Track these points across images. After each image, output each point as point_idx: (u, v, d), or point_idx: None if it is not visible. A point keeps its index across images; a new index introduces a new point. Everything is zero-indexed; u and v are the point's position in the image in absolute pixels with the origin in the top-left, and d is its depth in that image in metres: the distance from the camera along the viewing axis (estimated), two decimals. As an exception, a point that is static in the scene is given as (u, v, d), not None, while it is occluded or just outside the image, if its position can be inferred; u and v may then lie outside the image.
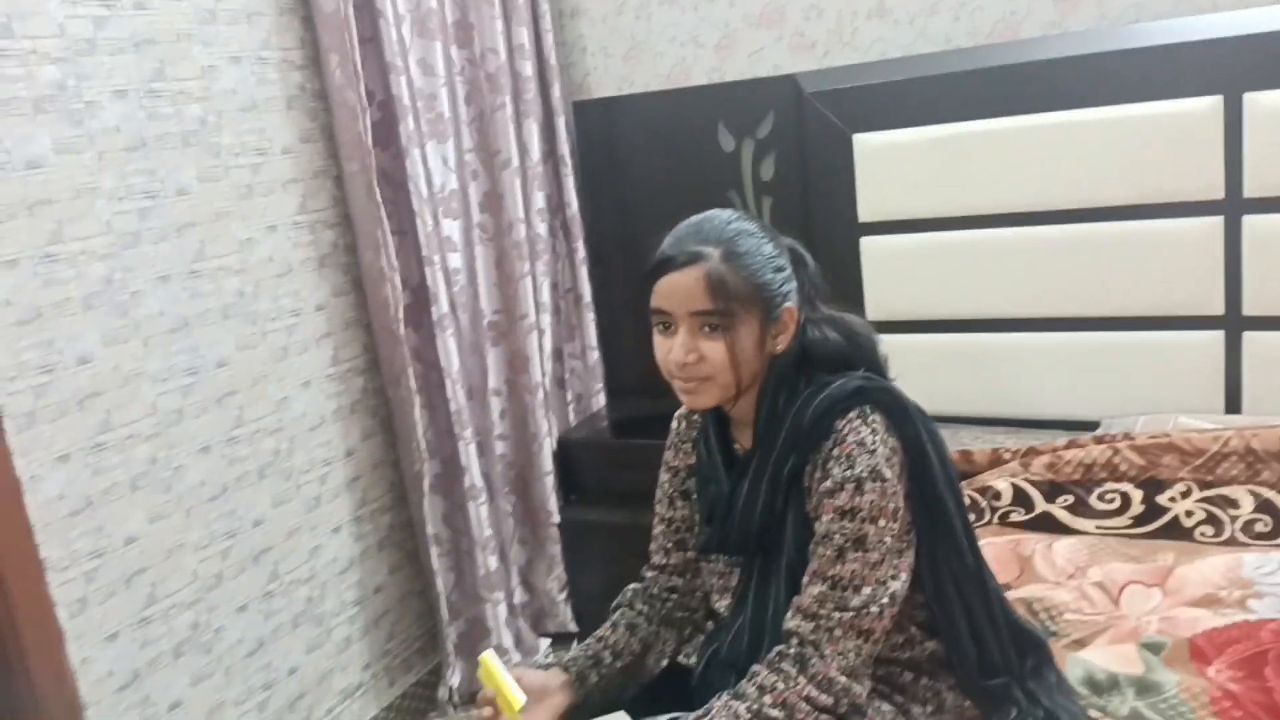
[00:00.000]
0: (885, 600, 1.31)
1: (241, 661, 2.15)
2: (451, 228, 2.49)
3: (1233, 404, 2.29)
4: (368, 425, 2.49)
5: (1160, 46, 2.21)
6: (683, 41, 2.79)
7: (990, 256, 2.44)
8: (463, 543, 2.58)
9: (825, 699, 1.29)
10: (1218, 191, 2.19)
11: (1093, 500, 1.99)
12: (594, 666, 1.48)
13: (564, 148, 2.79)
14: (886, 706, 1.39)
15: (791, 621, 1.34)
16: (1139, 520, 1.94)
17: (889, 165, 2.49)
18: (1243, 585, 1.69)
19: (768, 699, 1.29)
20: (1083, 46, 2.30)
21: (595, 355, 2.95)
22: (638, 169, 2.88)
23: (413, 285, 2.41)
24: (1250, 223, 2.18)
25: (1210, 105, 2.16)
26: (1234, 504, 1.88)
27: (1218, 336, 2.27)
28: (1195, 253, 2.24)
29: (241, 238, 2.14)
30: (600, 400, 2.99)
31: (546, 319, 2.78)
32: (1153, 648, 1.57)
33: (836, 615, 1.30)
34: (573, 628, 2.78)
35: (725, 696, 1.32)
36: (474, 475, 2.51)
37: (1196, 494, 1.91)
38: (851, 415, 1.34)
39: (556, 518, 2.75)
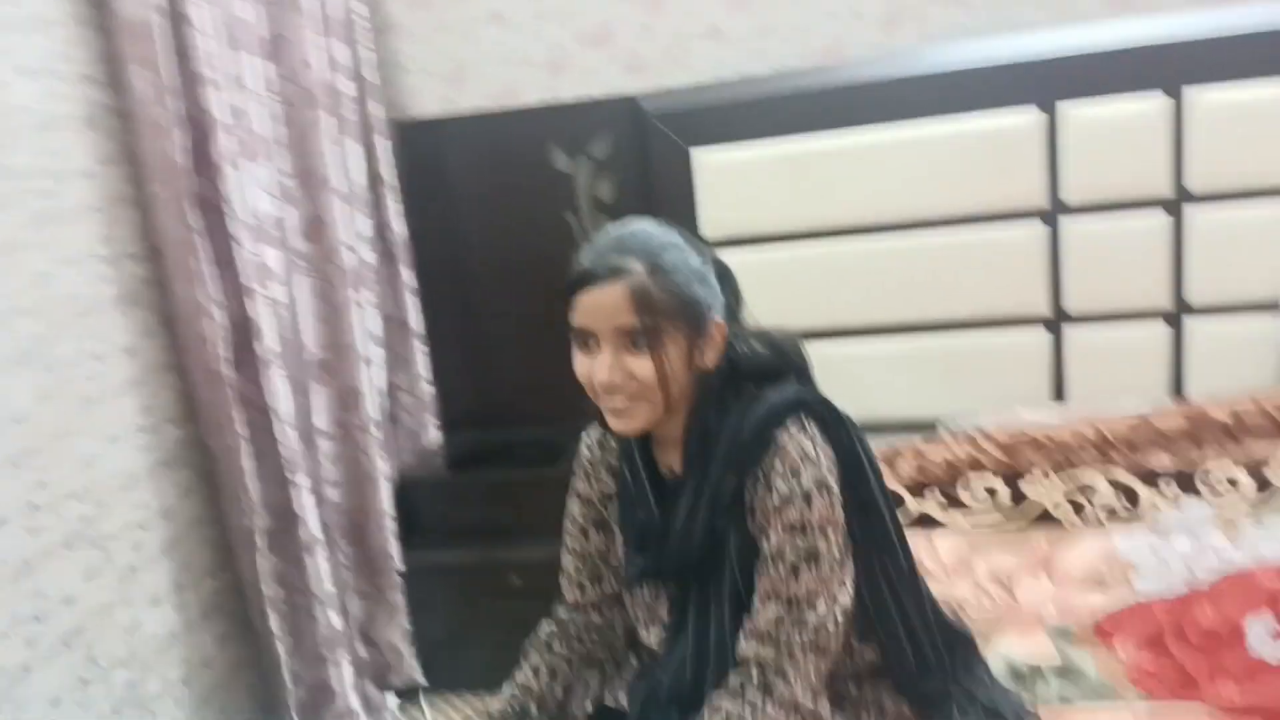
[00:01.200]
0: (838, 614, 1.27)
1: (57, 765, 1.84)
2: (271, 256, 2.27)
3: (1058, 394, 2.43)
4: (185, 480, 2.22)
5: (979, 62, 2.33)
6: (513, 61, 2.69)
7: (828, 268, 2.49)
8: (299, 600, 2.34)
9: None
10: (1040, 199, 2.33)
11: (962, 495, 2.05)
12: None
13: (387, 170, 2.62)
14: (838, 720, 1.35)
15: (748, 648, 1.27)
16: (1008, 513, 2.01)
17: (729, 182, 2.49)
18: (1121, 566, 1.78)
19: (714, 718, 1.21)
20: (906, 66, 2.40)
21: (428, 388, 2.78)
22: (467, 192, 2.75)
23: (234, 320, 2.18)
24: (1068, 227, 2.34)
25: (1030, 117, 2.30)
26: (1091, 490, 1.98)
27: (1044, 334, 2.41)
28: (1021, 256, 2.37)
29: (36, 271, 1.85)
30: (434, 435, 2.81)
31: (377, 351, 2.59)
32: (1061, 634, 1.62)
33: (797, 638, 1.25)
34: (421, 680, 2.59)
35: None
36: (311, 526, 2.29)
37: (1057, 482, 2.01)
38: (791, 426, 1.29)
39: (399, 564, 2.55)
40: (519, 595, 2.50)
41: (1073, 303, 2.37)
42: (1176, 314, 2.31)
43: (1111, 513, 1.94)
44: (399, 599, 2.56)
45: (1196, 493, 1.92)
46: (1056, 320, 2.39)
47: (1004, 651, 1.59)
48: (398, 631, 2.57)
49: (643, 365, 1.25)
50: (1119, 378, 2.35)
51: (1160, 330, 2.33)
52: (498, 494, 2.59)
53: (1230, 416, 1.95)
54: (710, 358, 1.31)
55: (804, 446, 1.28)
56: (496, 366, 2.89)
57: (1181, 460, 1.96)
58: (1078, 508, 1.97)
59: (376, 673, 2.56)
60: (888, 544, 1.37)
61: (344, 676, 2.36)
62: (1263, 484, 1.88)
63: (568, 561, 1.49)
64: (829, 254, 2.48)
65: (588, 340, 1.28)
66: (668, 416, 1.31)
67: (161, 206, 2.07)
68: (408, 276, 2.69)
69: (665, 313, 1.25)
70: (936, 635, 1.44)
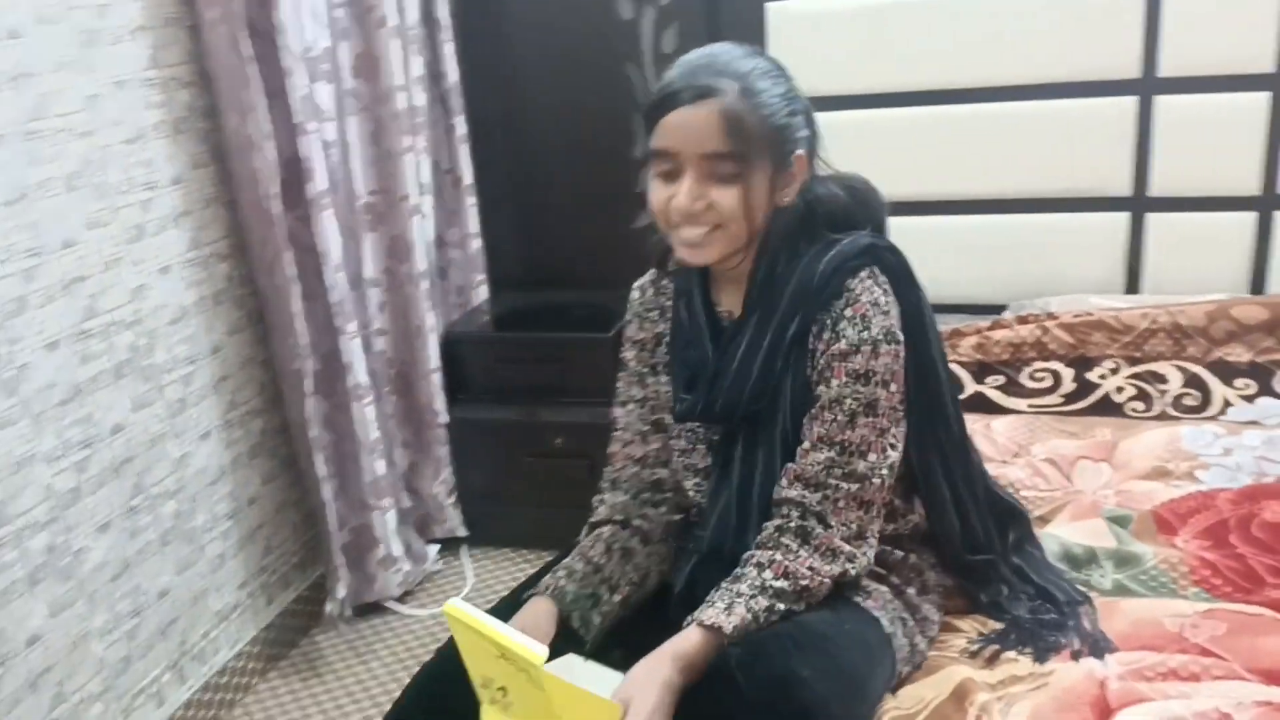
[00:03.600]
0: (886, 470, 1.24)
1: (106, 586, 1.88)
2: (324, 93, 2.20)
3: (1132, 285, 2.33)
4: (235, 318, 2.20)
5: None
6: (577, -103, 2.54)
7: (902, 135, 2.37)
8: (346, 447, 2.34)
9: (831, 568, 1.21)
10: (1134, 68, 2.19)
11: (1024, 379, 1.99)
12: (594, 607, 1.30)
13: (441, 9, 2.51)
14: (882, 587, 1.32)
15: (792, 490, 1.24)
16: (1070, 398, 1.95)
17: (802, 36, 2.36)
18: (1187, 458, 1.72)
19: (769, 573, 1.20)
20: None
21: (476, 244, 2.73)
22: (523, 38, 2.64)
23: (285, 158, 2.12)
24: (1163, 103, 2.20)
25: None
26: (1162, 379, 1.91)
27: (1123, 218, 2.29)
28: (1108, 131, 2.24)
29: (87, 94, 1.80)
30: (482, 293, 2.78)
31: (429, 202, 2.53)
32: (1119, 521, 1.57)
33: (844, 486, 1.22)
34: (462, 532, 2.62)
35: (723, 584, 1.21)
36: (358, 373, 2.27)
37: (1125, 370, 1.93)
38: (863, 274, 1.25)
39: (444, 417, 2.55)
40: (561, 454, 2.50)
41: (1157, 185, 2.25)
42: (1266, 202, 2.19)
43: (1181, 405, 1.87)
44: (443, 451, 2.56)
45: (1273, 391, 1.83)
46: (1139, 203, 2.27)
47: (1058, 534, 1.55)
48: (440, 483, 2.58)
49: (727, 195, 1.20)
50: (1198, 270, 2.25)
51: (1247, 220, 2.21)
52: (544, 355, 2.55)
53: (1317, 310, 1.85)
54: (789, 194, 1.25)
55: (875, 296, 1.24)
56: (547, 226, 2.82)
57: (1258, 355, 1.87)
58: (1145, 398, 1.90)
59: (419, 522, 2.59)
60: (941, 410, 1.34)
61: (388, 523, 2.38)
62: (1347, 383, 1.80)
63: (626, 413, 1.44)
64: (904, 120, 2.36)
65: (669, 165, 1.21)
66: (737, 253, 1.26)
67: (210, 29, 1.99)
68: (460, 125, 2.61)
69: (756, 140, 1.19)
70: (986, 510, 1.41)
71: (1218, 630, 1.31)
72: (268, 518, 2.32)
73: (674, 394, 1.39)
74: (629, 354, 1.45)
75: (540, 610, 1.27)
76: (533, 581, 1.35)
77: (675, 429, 1.40)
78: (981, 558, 1.41)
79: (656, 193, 1.23)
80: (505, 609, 1.29)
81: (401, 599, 2.44)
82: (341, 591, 2.32)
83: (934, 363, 1.32)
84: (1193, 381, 1.88)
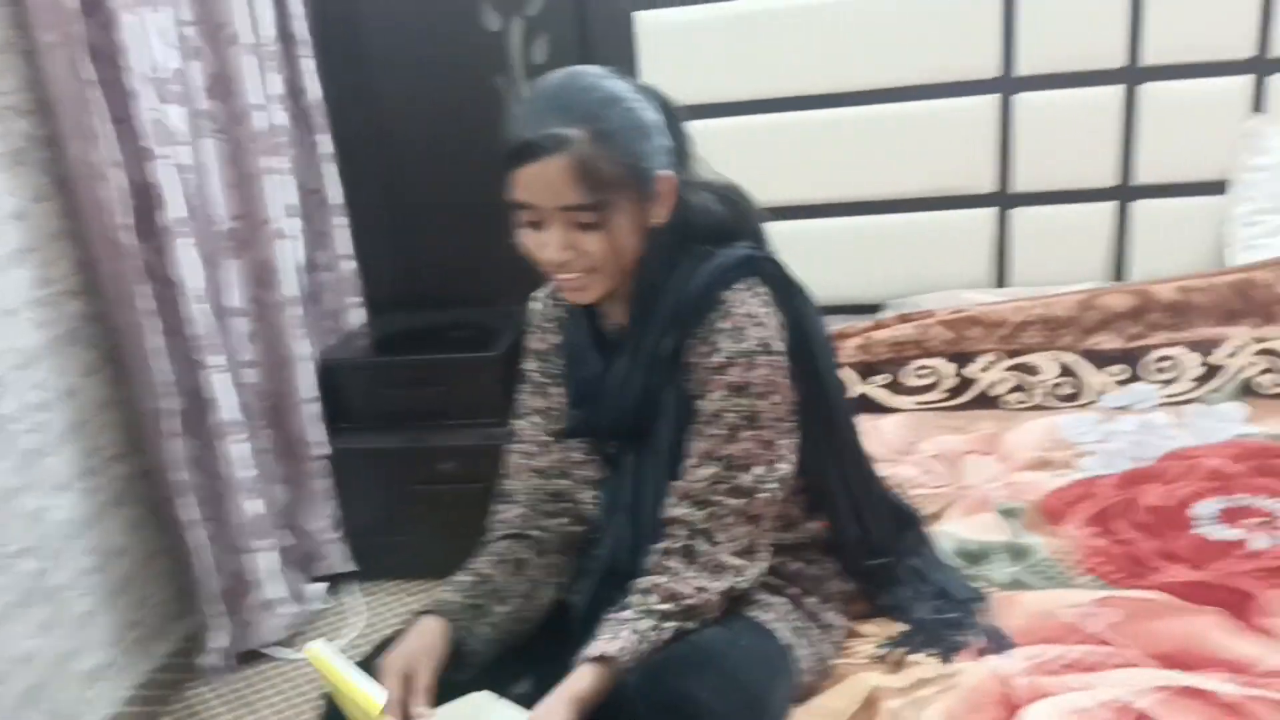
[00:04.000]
0: (774, 483, 1.23)
1: (-41, 658, 1.73)
2: (175, 115, 2.08)
3: (1001, 279, 2.40)
4: (89, 359, 2.06)
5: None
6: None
7: (774, 141, 2.39)
8: (217, 487, 2.22)
9: (718, 584, 1.19)
10: (994, 68, 2.25)
11: (906, 377, 2.01)
12: (479, 618, 1.25)
13: (298, 25, 2.41)
14: (779, 599, 1.31)
15: (679, 509, 1.22)
16: (953, 393, 1.98)
17: (673, 45, 2.36)
18: (1066, 447, 1.77)
19: (653, 597, 1.18)
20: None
21: (349, 265, 2.63)
22: (387, 52, 2.56)
23: (135, 185, 1.99)
24: (1022, 100, 2.26)
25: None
26: (1038, 371, 1.96)
27: (990, 213, 2.35)
28: (972, 130, 2.30)
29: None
30: (357, 316, 2.68)
31: (295, 224, 2.42)
32: (1010, 513, 1.60)
33: (729, 502, 1.21)
34: (350, 567, 2.52)
35: (608, 615, 1.19)
36: (226, 409, 2.15)
37: (1002, 363, 1.98)
38: (739, 287, 1.24)
39: (323, 449, 2.44)
40: (451, 480, 2.43)
41: (1021, 180, 2.32)
42: (1123, 193, 2.28)
43: (1057, 395, 1.92)
44: (323, 485, 2.46)
45: (1141, 376, 1.90)
46: (1003, 198, 2.34)
47: (952, 531, 1.56)
48: (324, 519, 2.48)
49: (593, 241, 1.18)
50: (1062, 261, 2.33)
51: (1106, 210, 2.30)
52: (427, 378, 2.47)
53: (1179, 294, 1.92)
54: (661, 214, 1.23)
55: (751, 308, 1.23)
56: (423, 244, 2.74)
57: (1128, 342, 1.94)
58: (1022, 390, 1.95)
59: (302, 561, 2.48)
60: (834, 418, 1.34)
61: (267, 565, 2.27)
62: (1209, 367, 1.87)
63: (526, 424, 1.40)
64: (774, 126, 2.37)
65: (532, 215, 1.18)
66: (621, 281, 1.24)
67: (49, 54, 1.86)
68: (324, 143, 2.51)
69: (612, 184, 1.16)
70: (884, 514, 1.42)
71: (1113, 618, 1.33)
72: (137, 568, 2.18)
73: (567, 409, 1.36)
74: (530, 365, 1.42)
75: (428, 628, 1.22)
76: None
77: (570, 441, 1.38)
78: (880, 561, 1.41)
79: (527, 240, 1.21)
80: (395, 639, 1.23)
81: (287, 642, 2.33)
82: (220, 641, 2.20)
83: (823, 372, 1.31)
84: (1067, 371, 1.94)
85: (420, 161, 2.64)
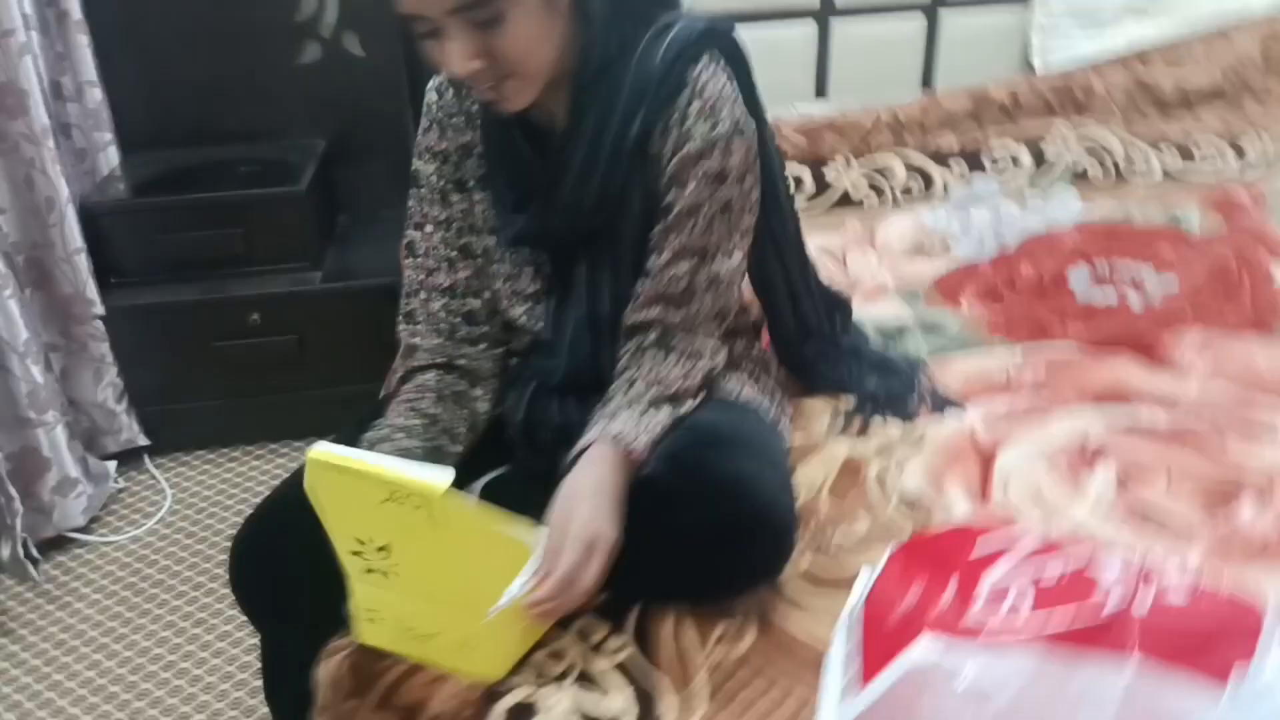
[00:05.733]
0: (739, 269, 1.17)
1: None
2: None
3: (820, 90, 2.43)
4: None
5: None
6: None
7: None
8: (-16, 354, 1.85)
9: (699, 368, 1.14)
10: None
11: (767, 185, 2.00)
12: (440, 461, 1.10)
13: None
14: (744, 377, 1.28)
15: (650, 311, 1.14)
16: (814, 198, 1.99)
17: None
18: (935, 236, 1.83)
19: (640, 385, 1.11)
20: None
21: (96, 95, 2.22)
22: None
23: None
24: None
25: None
26: (888, 171, 2.01)
27: (811, 28, 2.37)
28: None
29: None
30: (112, 155, 2.28)
31: (34, 39, 2.00)
32: (909, 298, 1.64)
33: (707, 297, 1.14)
34: (142, 441, 2.20)
35: (596, 412, 1.11)
36: (-14, 258, 1.78)
37: (856, 166, 2.01)
38: (705, 61, 1.12)
39: (98, 308, 2.09)
40: (259, 333, 2.17)
41: (841, -4, 2.35)
42: (933, 7, 2.36)
43: (909, 193, 1.98)
44: (104, 350, 2.12)
45: (983, 169, 2.00)
46: (825, 12, 2.35)
47: (863, 314, 1.58)
48: (105, 387, 2.14)
49: (500, 41, 1.00)
50: (878, 72, 2.39)
51: (918, 24, 2.38)
52: (221, 220, 2.16)
53: (1009, 97, 2.03)
54: None
55: (720, 85, 1.12)
56: (184, 71, 2.33)
57: (967, 140, 2.02)
58: (878, 190, 1.99)
59: (86, 437, 2.14)
60: (777, 202, 1.29)
61: (57, 440, 1.93)
62: (1039, 158, 2.00)
63: (427, 237, 1.22)
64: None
65: (425, 26, 1.01)
66: (553, 75, 1.09)
67: None
68: (61, -59, 2.08)
69: None
70: (818, 299, 1.40)
71: (1039, 372, 1.41)
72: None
73: (499, 215, 1.21)
74: (427, 168, 1.22)
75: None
76: None
77: (498, 252, 1.23)
78: (819, 344, 1.40)
79: (432, 54, 1.04)
80: None
81: (88, 528, 2.02)
82: (15, 529, 1.86)
83: (771, 154, 1.25)
84: (916, 170, 2.00)
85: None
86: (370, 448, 1.12)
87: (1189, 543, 1.10)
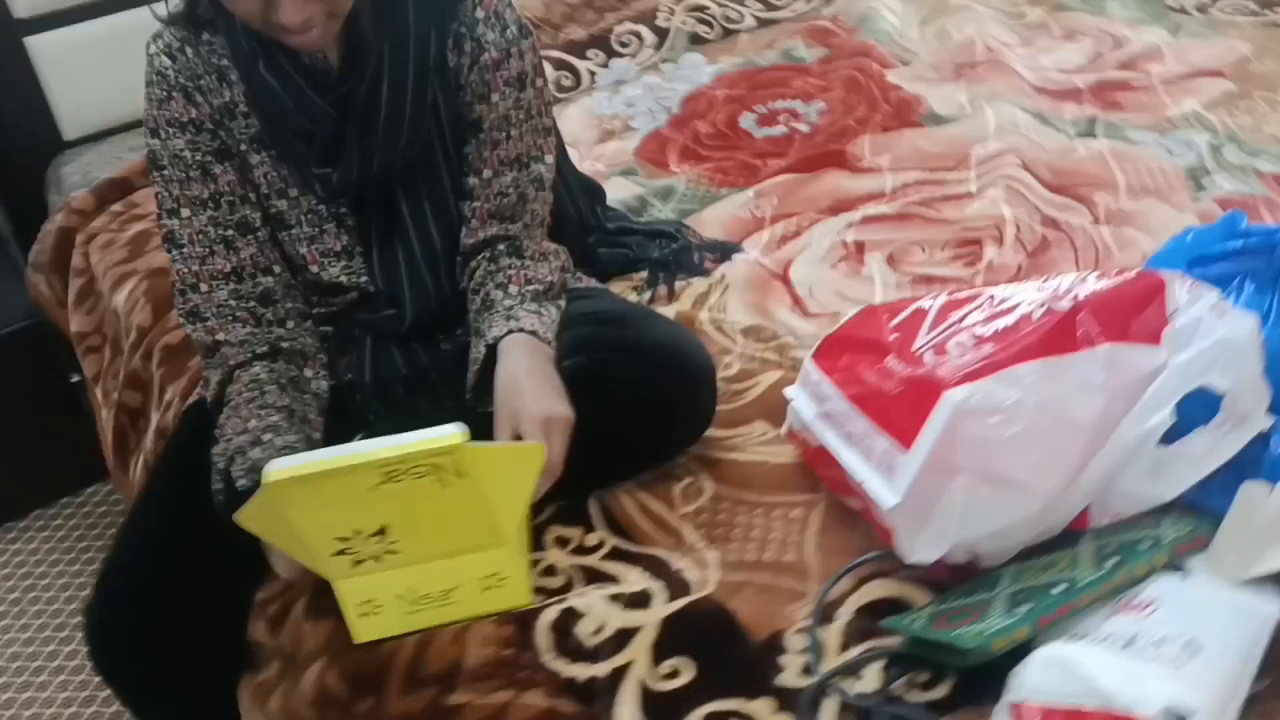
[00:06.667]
0: (553, 167, 1.23)
1: None
2: None
3: None
4: None
5: None
6: None
7: None
8: None
9: (555, 264, 1.18)
10: None
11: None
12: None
13: None
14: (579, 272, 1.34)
15: (488, 229, 1.17)
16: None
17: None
18: (612, 119, 1.93)
19: (512, 289, 1.13)
20: None
21: None
22: None
23: None
24: None
25: None
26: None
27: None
28: None
29: None
30: None
31: None
32: (627, 175, 1.74)
33: (534, 204, 1.20)
34: None
35: (476, 325, 1.13)
36: None
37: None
38: None
39: None
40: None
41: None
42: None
43: (563, 89, 2.05)
44: None
45: (617, 54, 2.12)
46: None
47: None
48: None
49: None
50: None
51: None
52: None
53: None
54: None
55: None
56: None
57: (593, 30, 2.13)
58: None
59: None
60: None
61: None
62: (659, 32, 2.16)
63: (190, 223, 1.11)
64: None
65: None
66: None
67: None
68: None
69: None
70: (579, 192, 1.47)
71: (776, 204, 1.59)
72: None
73: (297, 172, 1.13)
74: (173, 143, 1.09)
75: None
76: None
77: (293, 215, 1.16)
78: (596, 234, 1.48)
79: (243, 6, 0.96)
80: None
81: None
82: None
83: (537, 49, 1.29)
84: (561, 65, 2.08)
85: None
86: (237, 458, 1.04)
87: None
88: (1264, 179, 1.51)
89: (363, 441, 0.91)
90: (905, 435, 0.88)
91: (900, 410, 0.90)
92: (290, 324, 1.17)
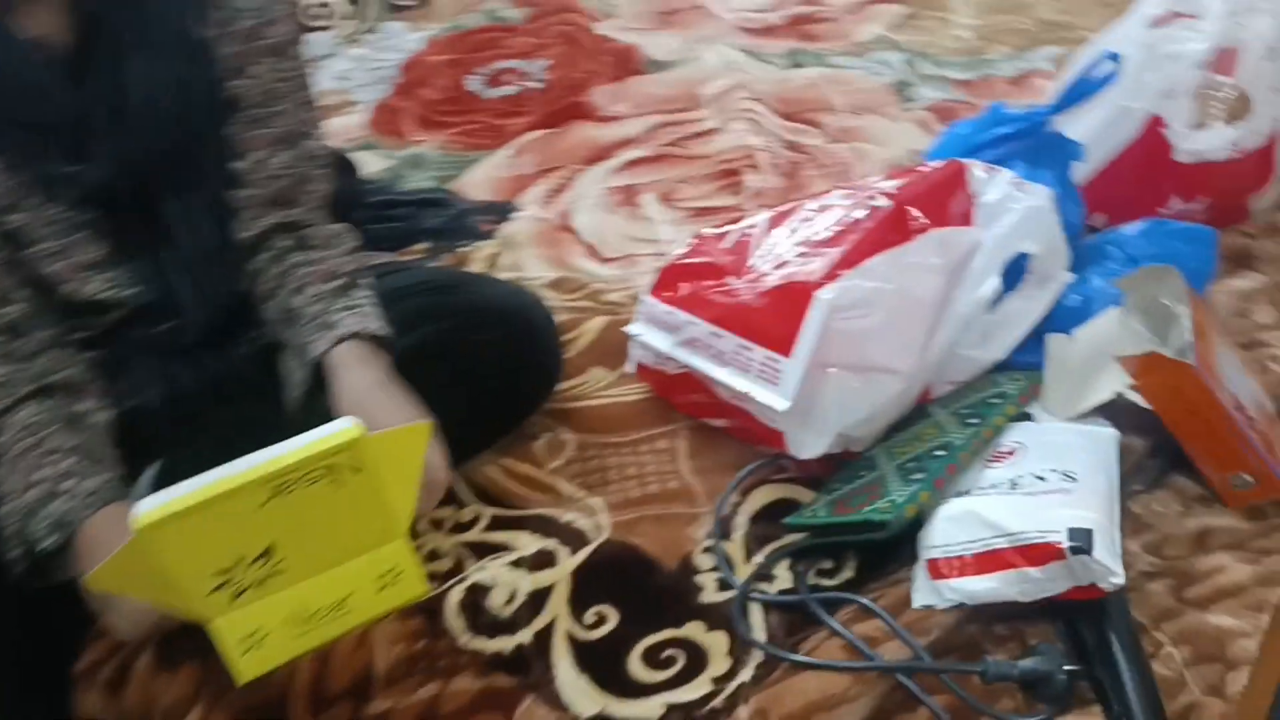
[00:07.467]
0: (324, 140, 1.15)
1: None
2: None
3: None
4: None
5: None
6: None
7: None
8: None
9: (347, 246, 1.09)
10: None
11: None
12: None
13: None
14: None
15: (267, 218, 1.06)
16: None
17: None
18: (327, 95, 1.83)
19: (312, 290, 1.03)
20: None
21: None
22: None
23: None
24: None
25: None
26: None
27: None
28: None
29: None
30: None
31: None
32: (366, 146, 1.67)
33: (312, 184, 1.10)
34: None
35: (288, 339, 1.04)
36: None
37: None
38: None
39: None
40: None
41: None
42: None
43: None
44: None
45: (310, 28, 2.01)
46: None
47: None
48: None
49: None
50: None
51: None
52: None
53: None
54: None
55: None
56: None
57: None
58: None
59: None
60: None
61: None
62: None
63: None
64: None
65: None
66: None
67: None
68: None
69: None
70: (336, 166, 1.40)
71: (537, 160, 1.59)
72: None
73: (37, 177, 0.97)
74: None
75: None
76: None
77: (34, 229, 1.00)
78: (358, 210, 1.40)
79: None
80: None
81: None
82: None
83: None
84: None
85: None
86: (30, 519, 0.90)
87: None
88: (958, 86, 1.70)
89: (239, 460, 0.81)
90: (781, 343, 0.92)
91: (769, 320, 0.94)
92: (51, 353, 1.00)
